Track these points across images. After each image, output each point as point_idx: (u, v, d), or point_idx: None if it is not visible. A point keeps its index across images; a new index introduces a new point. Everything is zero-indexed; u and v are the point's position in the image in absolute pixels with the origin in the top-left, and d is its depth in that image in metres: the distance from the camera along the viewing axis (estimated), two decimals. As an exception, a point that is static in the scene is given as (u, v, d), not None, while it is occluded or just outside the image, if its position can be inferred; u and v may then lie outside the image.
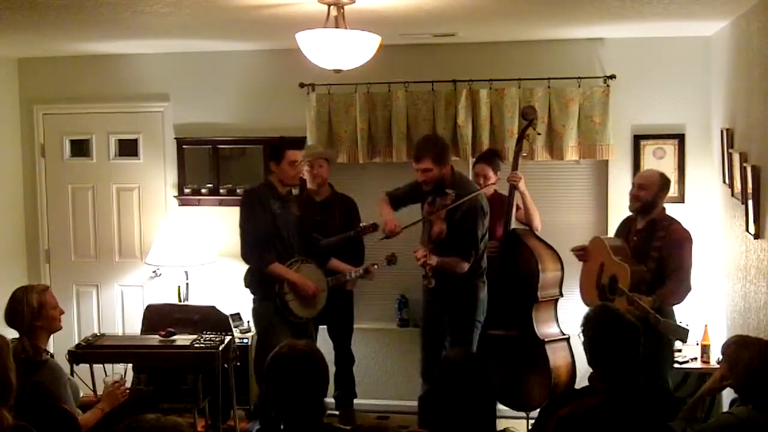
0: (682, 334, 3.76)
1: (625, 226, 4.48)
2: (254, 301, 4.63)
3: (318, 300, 4.59)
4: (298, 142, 4.72)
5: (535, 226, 4.87)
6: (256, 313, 4.63)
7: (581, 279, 4.55)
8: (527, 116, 4.82)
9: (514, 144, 5.00)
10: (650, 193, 4.24)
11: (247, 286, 4.63)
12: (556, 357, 4.69)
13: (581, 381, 4.27)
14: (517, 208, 4.87)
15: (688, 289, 4.15)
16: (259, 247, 4.43)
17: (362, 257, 5.05)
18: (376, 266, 4.84)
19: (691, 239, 4.21)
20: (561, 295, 4.78)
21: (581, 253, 4.52)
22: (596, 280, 4.33)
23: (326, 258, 4.79)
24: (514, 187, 4.76)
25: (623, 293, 3.98)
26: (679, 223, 4.27)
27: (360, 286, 5.23)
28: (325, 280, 4.66)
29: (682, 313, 4.60)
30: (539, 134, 5.04)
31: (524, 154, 4.91)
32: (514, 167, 4.80)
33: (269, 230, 4.43)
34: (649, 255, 4.17)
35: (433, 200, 4.44)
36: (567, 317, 4.90)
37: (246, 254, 4.51)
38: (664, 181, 4.32)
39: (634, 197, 4.32)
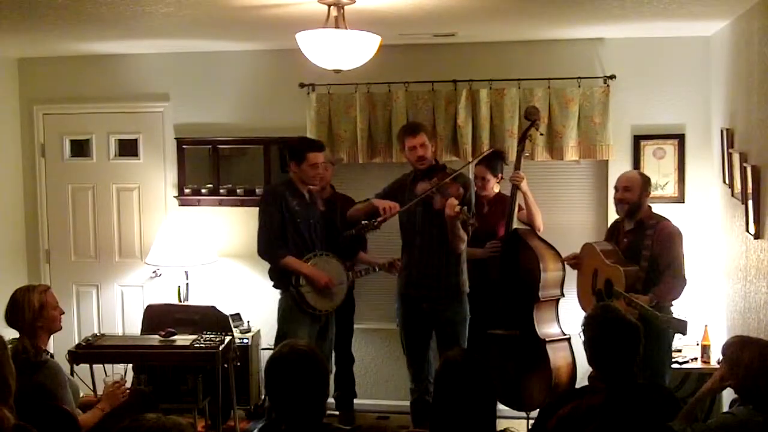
0: (682, 327, 3.78)
1: (614, 229, 4.51)
2: (280, 293, 4.72)
3: (336, 292, 4.68)
4: (320, 144, 4.73)
5: (537, 226, 4.86)
6: (279, 304, 4.72)
7: (578, 287, 4.58)
8: (530, 116, 4.79)
9: (514, 144, 5.00)
10: (635, 194, 4.29)
11: (271, 279, 4.74)
12: (557, 357, 4.68)
13: (581, 381, 4.27)
14: (519, 207, 4.86)
15: (684, 283, 4.19)
16: (272, 243, 4.56)
17: (363, 250, 5.12)
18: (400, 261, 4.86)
19: (681, 234, 4.24)
20: (562, 295, 4.77)
21: (574, 261, 4.55)
22: (592, 286, 4.34)
23: (354, 251, 4.93)
24: (516, 187, 4.75)
25: (620, 295, 3.99)
26: (668, 219, 4.30)
27: (359, 286, 5.23)
28: (344, 274, 4.74)
29: (682, 312, 4.61)
30: (542, 134, 5.02)
31: (527, 154, 4.91)
32: (517, 167, 4.77)
33: (286, 226, 4.55)
34: (641, 254, 4.19)
35: (432, 178, 4.45)
36: (567, 317, 4.91)
37: (260, 249, 4.64)
38: (645, 180, 4.37)
39: (619, 200, 4.35)
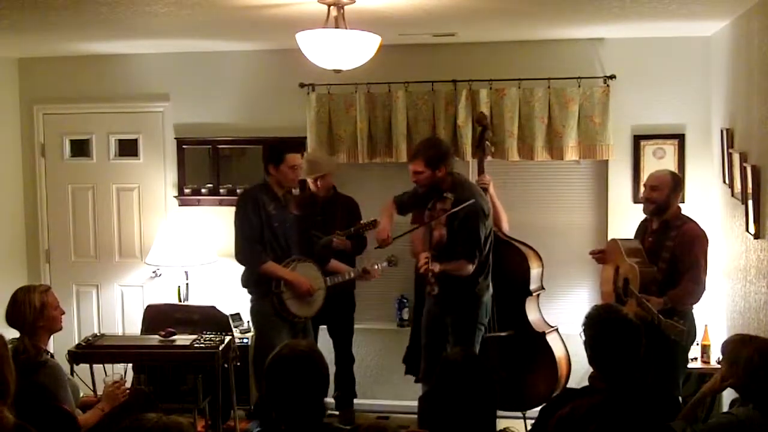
0: (680, 336, 3.74)
1: (643, 227, 4.46)
2: (251, 300, 4.64)
3: (315, 299, 4.59)
4: (298, 146, 4.71)
5: (503, 227, 4.91)
6: (254, 312, 4.64)
7: (601, 283, 4.58)
8: (482, 121, 4.93)
9: (514, 144, 5.09)
10: (663, 194, 4.22)
11: (244, 286, 4.64)
12: (556, 348, 4.76)
13: (581, 381, 4.27)
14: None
15: (702, 289, 4.12)
16: (251, 247, 4.45)
17: (362, 251, 5.09)
18: (377, 267, 4.82)
19: (706, 238, 4.18)
20: (543, 288, 4.93)
21: (599, 256, 4.53)
22: (614, 283, 4.33)
23: (326, 259, 4.79)
24: (484, 190, 4.73)
25: (633, 295, 3.98)
26: (694, 222, 4.24)
27: (361, 286, 5.23)
28: (322, 279, 4.65)
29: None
30: (493, 141, 5.08)
31: (488, 158, 5.03)
32: (480, 171, 4.86)
33: (263, 230, 4.45)
34: (661, 255, 4.15)
35: (433, 205, 4.41)
36: (566, 316, 4.93)
37: (239, 254, 4.53)
38: (676, 181, 4.30)
39: (646, 199, 4.30)
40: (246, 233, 4.46)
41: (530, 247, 4.87)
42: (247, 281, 4.61)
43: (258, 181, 4.62)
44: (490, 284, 4.52)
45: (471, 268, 4.31)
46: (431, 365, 4.54)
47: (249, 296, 4.66)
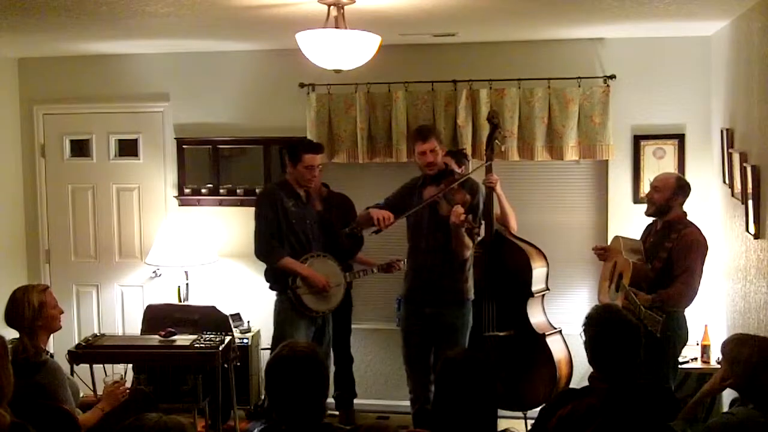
0: (655, 326, 3.77)
1: (648, 228, 4.49)
2: (276, 296, 4.71)
3: (333, 294, 4.65)
4: (317, 146, 4.72)
5: (512, 227, 4.89)
6: (275, 307, 4.71)
7: (600, 278, 4.60)
8: (493, 120, 4.84)
9: (514, 144, 5.07)
10: (664, 196, 4.24)
11: (267, 281, 4.74)
12: (557, 349, 4.75)
13: (581, 381, 4.27)
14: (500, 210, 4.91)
15: (694, 294, 4.12)
16: (268, 244, 4.56)
17: (359, 248, 5.09)
18: (401, 262, 4.85)
19: (705, 244, 4.17)
20: (548, 289, 4.90)
21: (601, 252, 4.56)
22: (611, 278, 4.37)
23: (352, 252, 4.93)
24: (491, 190, 4.74)
25: (624, 289, 4.01)
26: (697, 228, 4.24)
27: (360, 286, 5.24)
28: (341, 275, 4.71)
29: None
30: (505, 137, 5.06)
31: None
32: (489, 170, 4.79)
33: (281, 226, 4.55)
34: (658, 254, 4.18)
35: (440, 183, 4.43)
36: (567, 316, 4.92)
37: (257, 250, 4.64)
38: (680, 185, 4.30)
39: (648, 199, 4.35)
40: (262, 229, 4.59)
41: (536, 248, 4.85)
42: (269, 277, 4.72)
43: (260, 181, 4.68)
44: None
45: (469, 249, 4.39)
46: (418, 375, 4.57)
47: (273, 293, 4.73)
